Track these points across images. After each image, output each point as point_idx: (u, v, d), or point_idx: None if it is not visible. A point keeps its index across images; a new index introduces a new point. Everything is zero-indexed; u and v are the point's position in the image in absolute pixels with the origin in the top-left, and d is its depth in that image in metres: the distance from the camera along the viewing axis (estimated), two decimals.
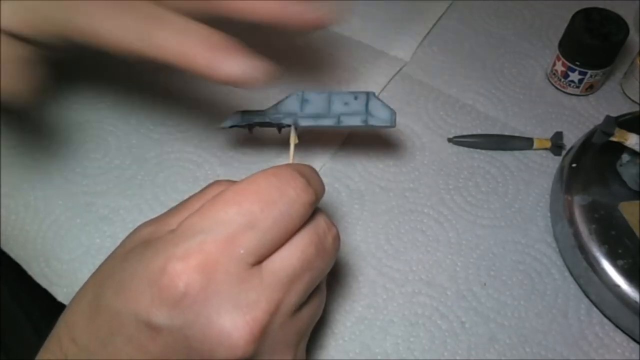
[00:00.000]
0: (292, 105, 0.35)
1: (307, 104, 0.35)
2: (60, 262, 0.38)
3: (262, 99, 0.47)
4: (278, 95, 0.47)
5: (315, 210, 0.28)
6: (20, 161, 0.42)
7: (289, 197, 0.26)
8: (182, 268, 0.24)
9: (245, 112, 0.37)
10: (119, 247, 0.28)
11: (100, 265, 0.28)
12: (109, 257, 0.28)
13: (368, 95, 0.34)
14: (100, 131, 0.44)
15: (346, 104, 0.34)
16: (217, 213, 0.25)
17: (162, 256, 0.24)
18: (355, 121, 0.34)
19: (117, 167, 0.42)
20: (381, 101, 0.34)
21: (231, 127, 0.38)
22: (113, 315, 0.25)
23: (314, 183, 0.28)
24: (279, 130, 0.38)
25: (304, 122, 0.34)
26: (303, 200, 0.26)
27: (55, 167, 0.42)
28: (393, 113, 0.34)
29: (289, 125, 0.34)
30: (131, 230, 0.37)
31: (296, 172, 0.27)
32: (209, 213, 0.25)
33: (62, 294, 0.37)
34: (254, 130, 0.39)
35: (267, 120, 0.36)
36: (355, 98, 0.34)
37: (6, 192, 0.41)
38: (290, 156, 0.33)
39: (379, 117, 0.34)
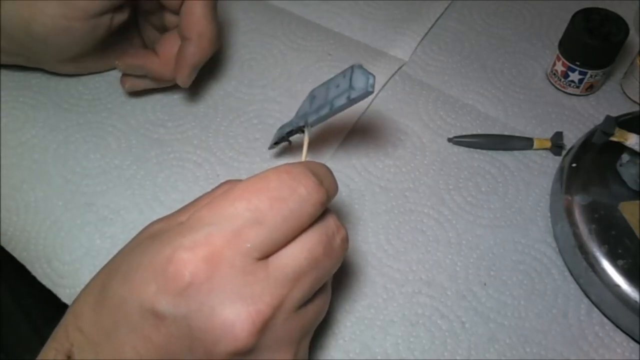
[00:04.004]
0: (305, 105, 0.35)
1: (314, 100, 0.35)
2: (61, 263, 0.38)
3: (262, 101, 0.47)
4: (271, 96, 0.47)
5: (325, 210, 0.28)
6: (20, 162, 0.42)
7: (299, 195, 0.26)
8: (189, 258, 0.24)
9: (280, 128, 0.38)
10: (130, 241, 0.29)
11: (111, 259, 0.28)
12: (120, 251, 0.29)
13: (352, 68, 0.33)
14: (99, 131, 0.44)
15: (337, 86, 0.33)
16: (226, 208, 0.25)
17: (169, 246, 0.25)
18: (342, 101, 0.32)
19: (117, 167, 0.42)
20: (363, 69, 0.32)
21: (275, 144, 0.40)
22: (118, 305, 0.25)
23: (326, 182, 0.28)
24: (302, 132, 0.37)
25: (311, 118, 0.34)
26: (314, 199, 0.26)
27: (55, 168, 0.42)
28: (367, 79, 0.32)
29: (304, 126, 0.34)
30: (131, 231, 0.38)
31: (309, 171, 0.27)
32: (218, 207, 0.26)
33: (65, 295, 0.37)
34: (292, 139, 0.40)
35: (291, 128, 0.36)
36: (344, 76, 0.33)
37: (6, 193, 0.41)
38: (304, 154, 0.33)
39: (357, 89, 0.32)
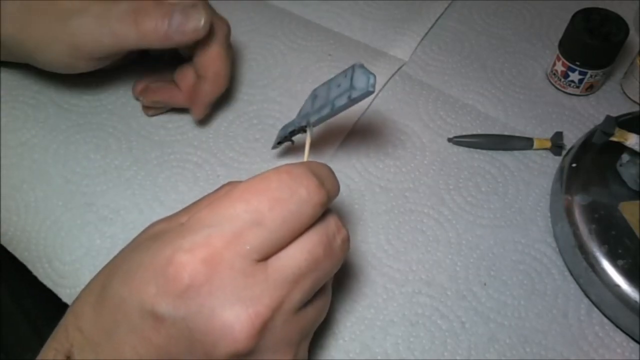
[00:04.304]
0: (307, 105, 0.35)
1: (316, 99, 0.34)
2: (62, 262, 0.38)
3: (262, 101, 0.47)
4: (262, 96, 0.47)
5: (326, 210, 0.28)
6: (20, 162, 0.42)
7: (299, 196, 0.26)
8: (188, 259, 0.24)
9: (282, 128, 0.37)
10: (131, 241, 0.29)
11: (112, 259, 0.29)
12: (121, 250, 0.29)
13: (353, 68, 0.32)
14: (100, 132, 0.44)
15: (339, 85, 0.33)
16: (225, 209, 0.25)
17: (169, 247, 0.25)
18: (343, 101, 0.32)
19: (117, 168, 0.42)
20: (364, 69, 0.32)
21: (278, 143, 0.39)
22: (118, 304, 0.25)
23: (327, 183, 0.27)
24: (305, 131, 0.37)
25: (313, 118, 0.34)
26: (314, 200, 0.26)
27: (55, 168, 0.42)
28: (368, 79, 0.31)
29: (307, 126, 0.34)
30: (131, 231, 0.37)
31: (309, 172, 0.27)
32: (218, 209, 0.26)
33: (65, 295, 0.37)
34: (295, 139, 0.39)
35: (293, 127, 0.36)
36: (345, 76, 0.33)
37: (6, 193, 0.41)
38: (306, 155, 0.33)
39: (358, 88, 0.31)
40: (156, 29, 0.37)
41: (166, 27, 0.37)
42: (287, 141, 0.40)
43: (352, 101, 0.32)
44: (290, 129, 0.37)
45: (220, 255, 0.24)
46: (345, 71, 0.33)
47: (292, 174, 0.26)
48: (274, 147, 0.42)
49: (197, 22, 0.37)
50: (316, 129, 0.39)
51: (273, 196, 0.25)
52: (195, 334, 0.24)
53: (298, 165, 0.27)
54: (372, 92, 0.31)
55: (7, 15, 0.38)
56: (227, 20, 0.42)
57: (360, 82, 0.31)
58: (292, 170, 0.26)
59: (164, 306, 0.24)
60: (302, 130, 0.36)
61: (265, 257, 0.25)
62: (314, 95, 0.35)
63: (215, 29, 0.40)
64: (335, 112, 0.33)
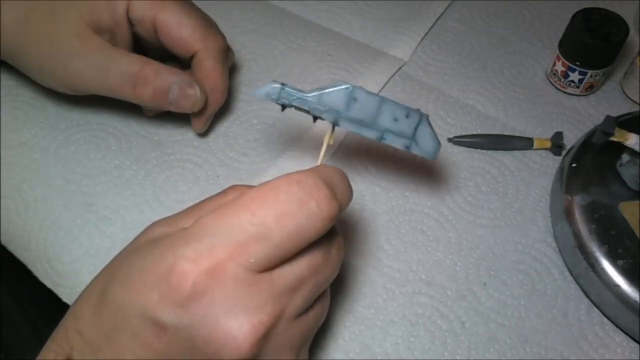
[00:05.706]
0: (337, 99, 0.31)
1: (354, 104, 0.30)
2: (61, 262, 0.38)
3: (262, 101, 0.47)
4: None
5: None
6: (20, 161, 0.42)
7: (308, 209, 0.25)
8: (191, 269, 0.24)
9: (284, 87, 0.31)
10: (131, 242, 0.29)
11: (112, 260, 0.28)
12: (121, 251, 0.28)
13: (421, 118, 0.31)
14: (100, 132, 0.44)
15: (395, 119, 0.30)
16: (231, 218, 0.25)
17: (171, 254, 0.25)
18: (398, 143, 0.31)
19: (117, 168, 0.42)
20: (431, 128, 0.31)
21: (266, 94, 0.32)
22: (118, 308, 0.25)
23: (340, 193, 0.27)
24: (314, 120, 0.33)
25: (344, 125, 0.31)
26: (324, 214, 0.25)
27: (55, 168, 0.42)
28: (437, 146, 0.31)
29: (326, 120, 0.31)
30: (131, 231, 0.37)
31: (322, 181, 0.26)
32: (223, 217, 0.25)
33: (65, 295, 0.37)
34: (286, 109, 0.33)
35: (307, 108, 0.31)
36: (407, 116, 0.31)
37: (6, 192, 0.41)
38: (321, 157, 0.31)
39: (422, 147, 0.31)
40: (153, 99, 0.39)
41: (162, 99, 0.39)
42: (281, 105, 0.33)
43: (407, 151, 0.32)
44: (298, 105, 0.31)
45: (224, 266, 0.24)
46: (407, 108, 0.31)
47: (302, 185, 0.25)
48: (254, 95, 0.33)
49: (194, 100, 0.39)
50: (314, 127, 0.38)
51: (281, 209, 0.25)
52: (198, 342, 0.24)
53: (310, 174, 0.26)
54: (433, 159, 0.32)
55: (10, 22, 0.39)
56: (223, 34, 0.42)
57: (426, 144, 0.31)
58: (303, 179, 0.25)
59: (167, 314, 0.24)
60: (314, 116, 0.32)
61: (269, 269, 0.25)
62: (351, 96, 0.31)
63: (211, 44, 0.40)
64: (379, 142, 0.31)
